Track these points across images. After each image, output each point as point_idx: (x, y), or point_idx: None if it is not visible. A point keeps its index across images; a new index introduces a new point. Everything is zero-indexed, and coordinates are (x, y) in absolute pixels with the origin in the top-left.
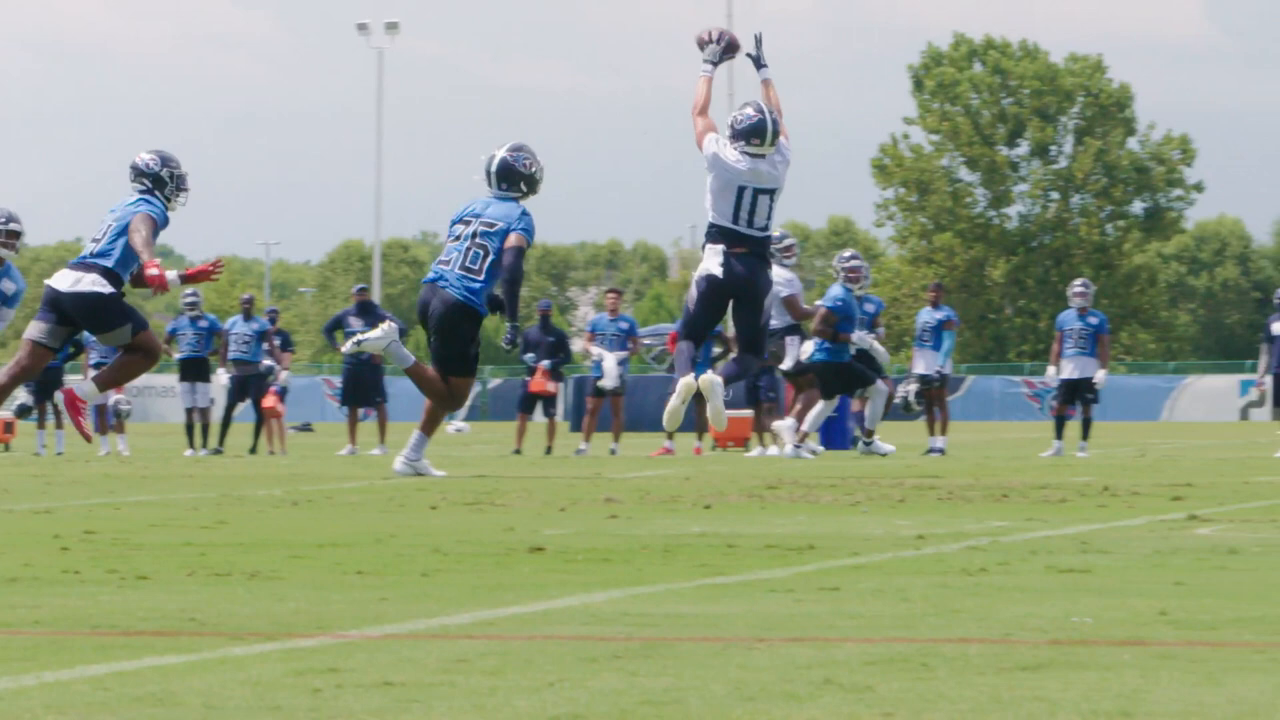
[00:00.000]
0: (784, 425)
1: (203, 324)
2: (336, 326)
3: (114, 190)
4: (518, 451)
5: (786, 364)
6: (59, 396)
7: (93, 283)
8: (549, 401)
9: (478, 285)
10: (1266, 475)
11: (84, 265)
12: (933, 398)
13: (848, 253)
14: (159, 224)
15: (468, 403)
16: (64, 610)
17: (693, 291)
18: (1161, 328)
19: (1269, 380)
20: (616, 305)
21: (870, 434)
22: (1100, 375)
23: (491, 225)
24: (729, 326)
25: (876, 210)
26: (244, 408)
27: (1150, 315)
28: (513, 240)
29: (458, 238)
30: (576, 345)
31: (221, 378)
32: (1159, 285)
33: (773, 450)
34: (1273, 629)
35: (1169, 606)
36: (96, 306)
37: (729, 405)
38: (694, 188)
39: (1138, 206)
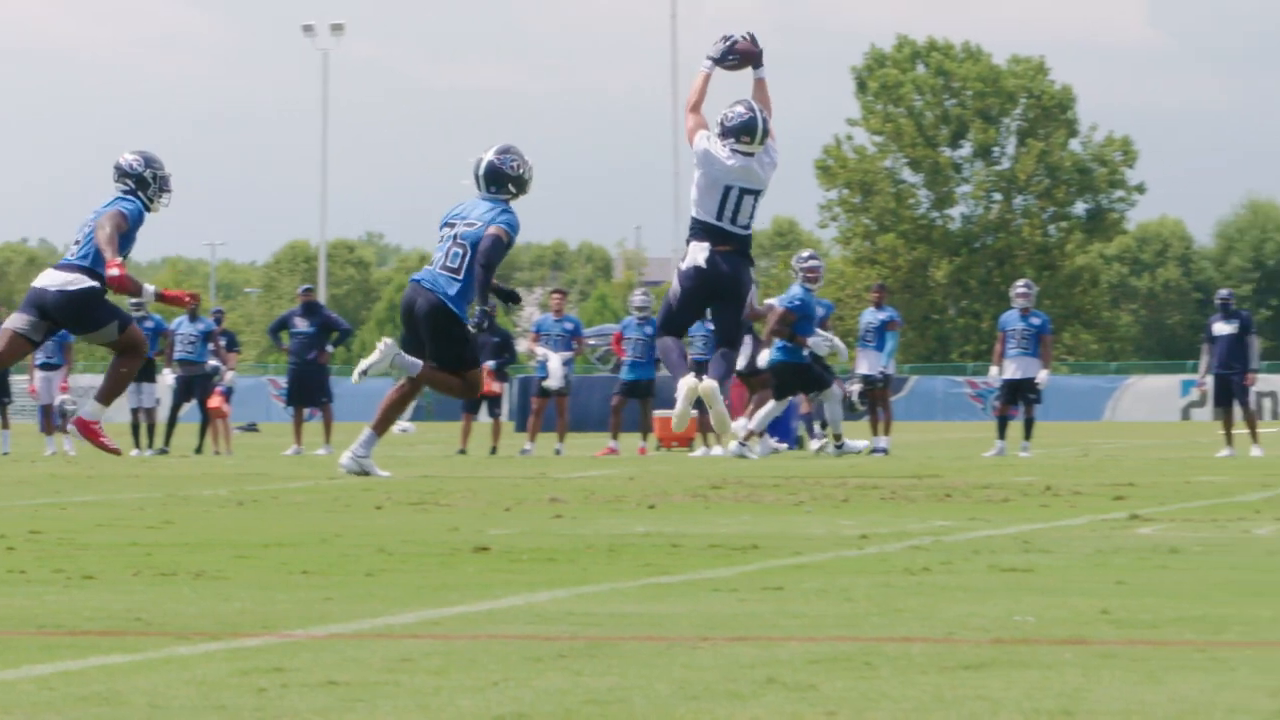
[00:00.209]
0: (737, 425)
1: (148, 324)
2: (282, 327)
3: (67, 191)
4: (463, 451)
5: (740, 362)
6: (72, 428)
7: (76, 282)
8: (494, 402)
9: (457, 285)
10: (1208, 475)
11: (68, 267)
12: (876, 398)
13: (806, 253)
14: (131, 222)
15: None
16: (9, 610)
17: (675, 287)
18: (1103, 328)
19: (1210, 380)
20: (561, 306)
21: (838, 437)
22: (1042, 375)
23: (472, 225)
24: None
25: (820, 211)
26: (189, 408)
27: (1092, 316)
28: (493, 230)
29: (442, 239)
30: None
31: (167, 378)
32: (1101, 286)
33: (717, 450)
34: (1213, 628)
35: (1110, 605)
36: (81, 304)
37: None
38: (639, 188)
39: (1080, 208)
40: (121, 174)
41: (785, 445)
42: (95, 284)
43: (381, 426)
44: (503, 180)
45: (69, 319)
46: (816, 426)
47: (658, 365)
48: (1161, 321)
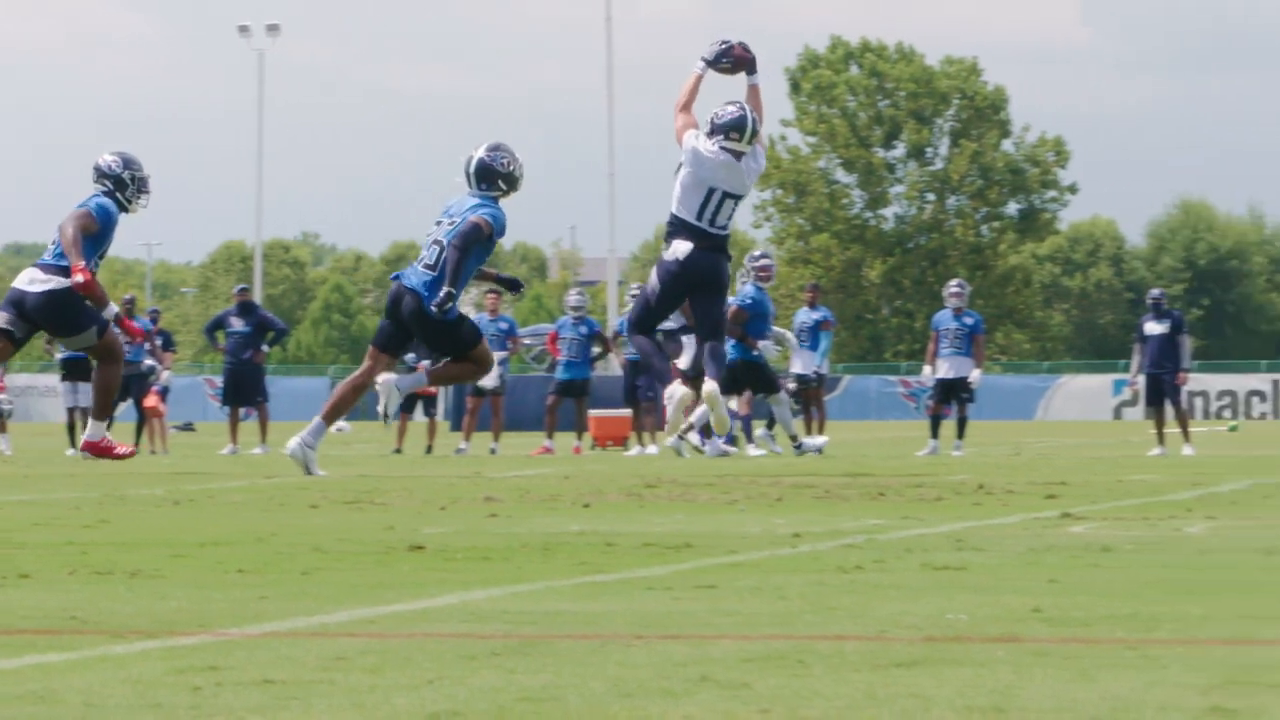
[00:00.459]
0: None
1: None
2: (217, 326)
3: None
4: (398, 451)
5: (683, 363)
6: (83, 454)
7: (55, 283)
8: (429, 401)
9: (432, 280)
10: (1139, 474)
11: (46, 267)
12: (810, 397)
13: (758, 252)
14: (101, 222)
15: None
16: None
17: (654, 282)
18: (1036, 328)
19: (1142, 380)
20: (496, 305)
21: (795, 438)
22: (975, 375)
23: (454, 222)
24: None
25: (754, 211)
26: (125, 407)
27: (1025, 315)
28: (474, 218)
29: (428, 235)
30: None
31: None
32: (1033, 286)
33: (651, 449)
34: (1145, 626)
35: (1043, 603)
36: (61, 306)
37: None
38: (574, 189)
39: (1012, 208)
40: (100, 175)
41: (734, 448)
42: (67, 282)
43: (331, 416)
44: (493, 177)
45: (49, 321)
46: (763, 429)
47: (592, 365)
48: (1093, 321)
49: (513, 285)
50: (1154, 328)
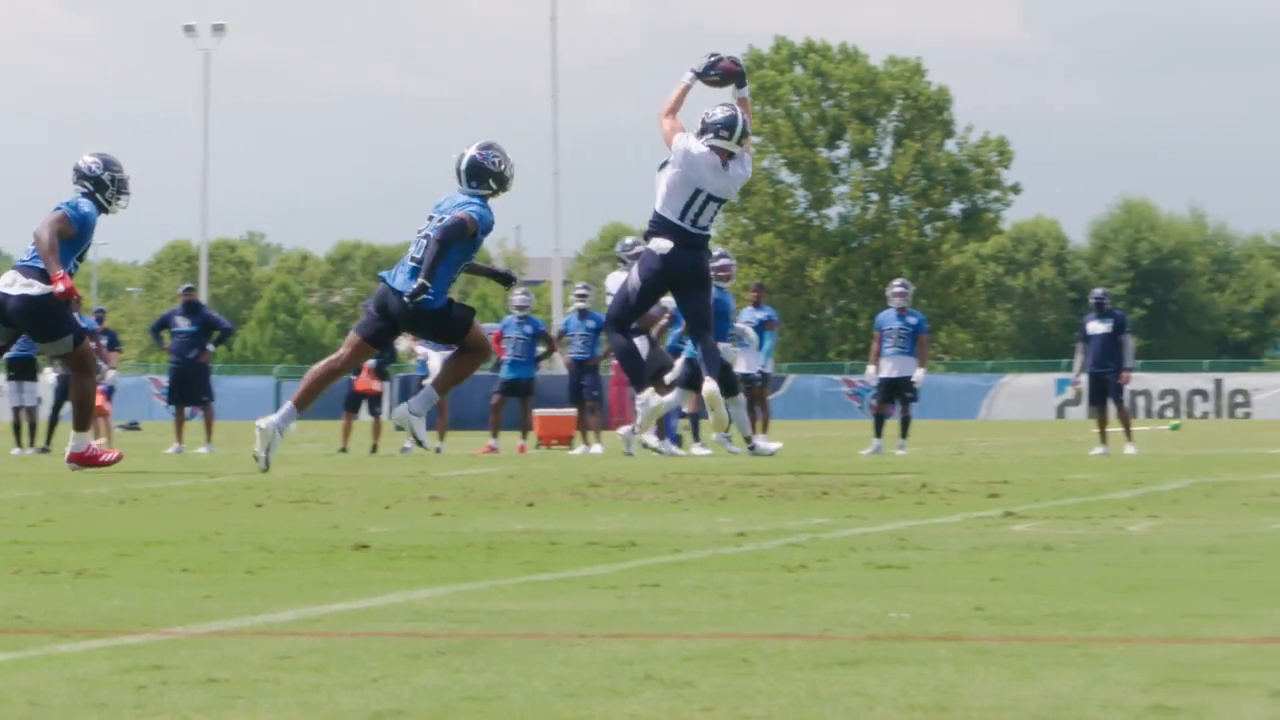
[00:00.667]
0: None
1: None
2: (163, 326)
3: None
4: (343, 450)
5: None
6: (70, 466)
7: (36, 287)
8: (374, 400)
9: (415, 270)
10: (1082, 473)
11: (25, 269)
12: (754, 397)
13: (718, 251)
14: (78, 225)
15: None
16: None
17: (635, 280)
18: (979, 327)
19: (1084, 379)
20: None
21: (749, 439)
22: (919, 374)
23: (442, 219)
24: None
25: None
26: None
27: (968, 315)
28: (460, 214)
29: (420, 231)
30: (401, 345)
31: (49, 376)
32: (977, 285)
33: (596, 448)
34: (1086, 624)
35: (985, 602)
36: (41, 311)
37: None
38: (519, 189)
39: (956, 208)
40: (80, 176)
41: (679, 449)
42: (46, 285)
43: (304, 401)
44: (483, 175)
45: (28, 324)
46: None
47: (537, 364)
48: (1036, 321)
49: (505, 279)
50: (1097, 327)
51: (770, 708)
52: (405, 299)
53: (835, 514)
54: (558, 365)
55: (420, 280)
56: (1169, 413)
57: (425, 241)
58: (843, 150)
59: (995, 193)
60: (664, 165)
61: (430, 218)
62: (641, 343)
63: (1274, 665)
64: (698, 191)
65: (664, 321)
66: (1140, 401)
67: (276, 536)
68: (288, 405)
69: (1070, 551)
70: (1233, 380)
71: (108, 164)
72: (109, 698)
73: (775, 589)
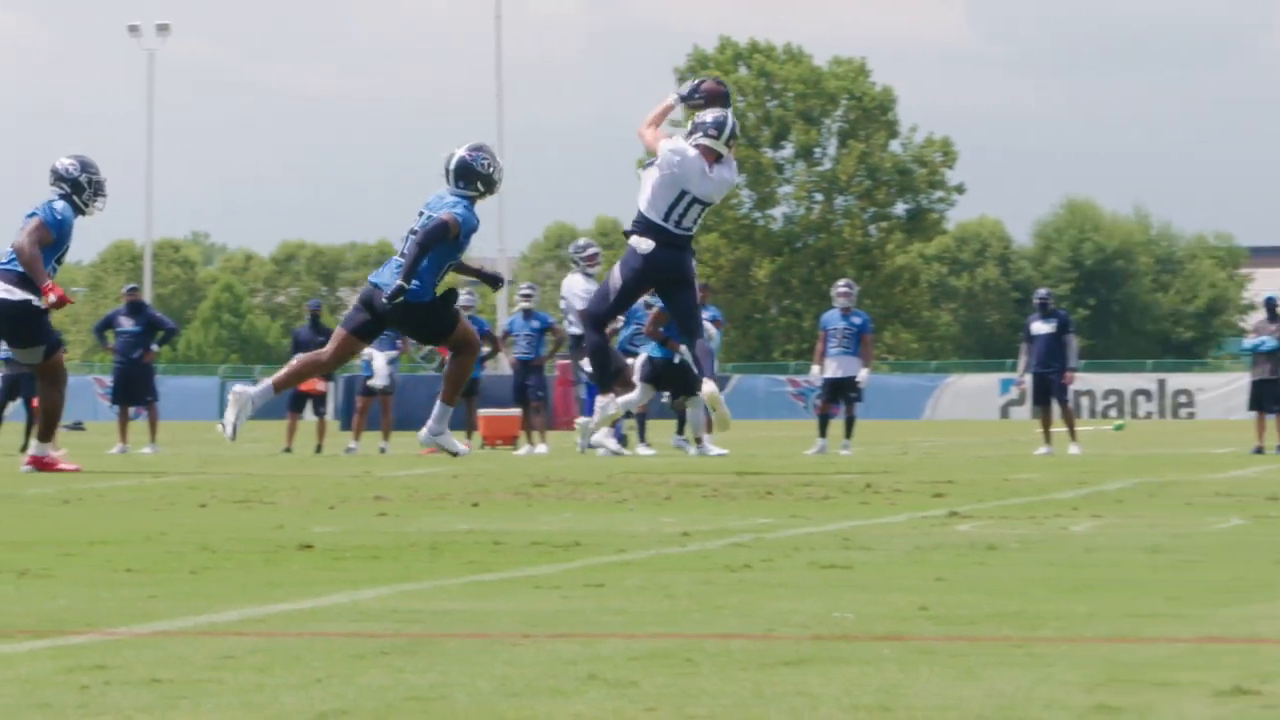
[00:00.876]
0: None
1: None
2: (107, 326)
3: None
4: (288, 450)
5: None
6: (25, 469)
7: (15, 293)
8: (319, 400)
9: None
10: (1026, 473)
11: (5, 274)
12: None
13: (582, 241)
14: (55, 230)
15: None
16: None
17: (616, 278)
18: (923, 327)
19: (1029, 379)
20: None
21: (699, 440)
22: (863, 374)
23: (431, 217)
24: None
25: None
26: (15, 406)
27: (912, 315)
28: (443, 215)
29: (410, 228)
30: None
31: None
32: (921, 285)
33: (541, 448)
34: (1030, 624)
35: (929, 602)
36: (21, 316)
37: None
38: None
39: (900, 208)
40: (57, 177)
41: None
42: (31, 296)
43: (284, 384)
44: (471, 177)
45: (4, 329)
46: (677, 436)
47: (481, 364)
48: (981, 321)
49: (494, 281)
50: (1041, 327)
51: (714, 707)
52: (384, 299)
53: (779, 514)
54: (502, 365)
55: (398, 282)
56: (1113, 413)
57: (413, 237)
58: (787, 150)
59: (939, 193)
60: (649, 164)
61: (421, 214)
62: None
63: (1217, 665)
64: (683, 193)
65: (648, 324)
66: (1084, 401)
67: (221, 536)
68: (266, 383)
69: (1014, 551)
70: (1176, 380)
71: (85, 166)
72: (53, 698)
73: (719, 589)
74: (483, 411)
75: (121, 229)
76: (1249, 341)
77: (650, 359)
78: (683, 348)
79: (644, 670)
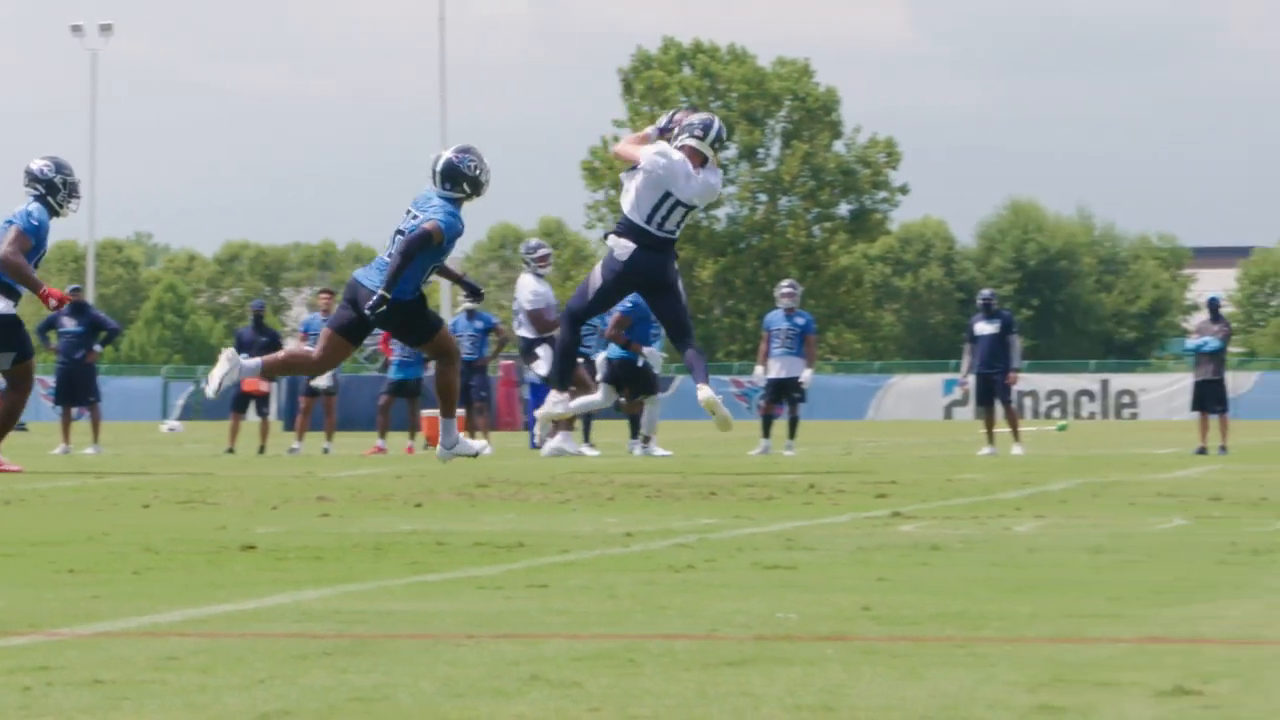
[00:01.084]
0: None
1: None
2: (49, 327)
3: None
4: (231, 450)
5: (541, 370)
6: None
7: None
8: (262, 401)
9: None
10: (969, 473)
11: None
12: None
13: (534, 242)
14: (32, 234)
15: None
16: None
17: (596, 278)
18: (867, 328)
19: (972, 379)
20: (329, 305)
21: (648, 439)
22: (807, 374)
23: (416, 219)
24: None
25: (587, 212)
26: None
27: (856, 315)
28: (426, 225)
29: (397, 227)
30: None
31: None
32: (865, 286)
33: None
34: (973, 624)
35: (872, 602)
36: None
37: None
38: (407, 189)
39: (844, 208)
40: (32, 179)
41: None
42: (11, 305)
43: (270, 370)
44: (458, 179)
45: None
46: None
47: (425, 364)
48: (924, 321)
49: (474, 291)
50: (984, 328)
51: (657, 708)
52: (366, 311)
53: (723, 514)
54: None
55: (380, 292)
56: (1056, 413)
57: (400, 236)
58: (731, 151)
59: (883, 193)
60: (633, 169)
61: (408, 211)
62: (545, 350)
63: (1158, 665)
64: (667, 195)
65: (610, 328)
66: (1028, 402)
67: (163, 537)
68: (258, 361)
69: (957, 551)
70: (1119, 381)
71: (59, 167)
72: None
73: (663, 589)
74: (426, 412)
75: (64, 229)
76: (1192, 342)
77: (609, 360)
78: (647, 349)
79: (587, 671)
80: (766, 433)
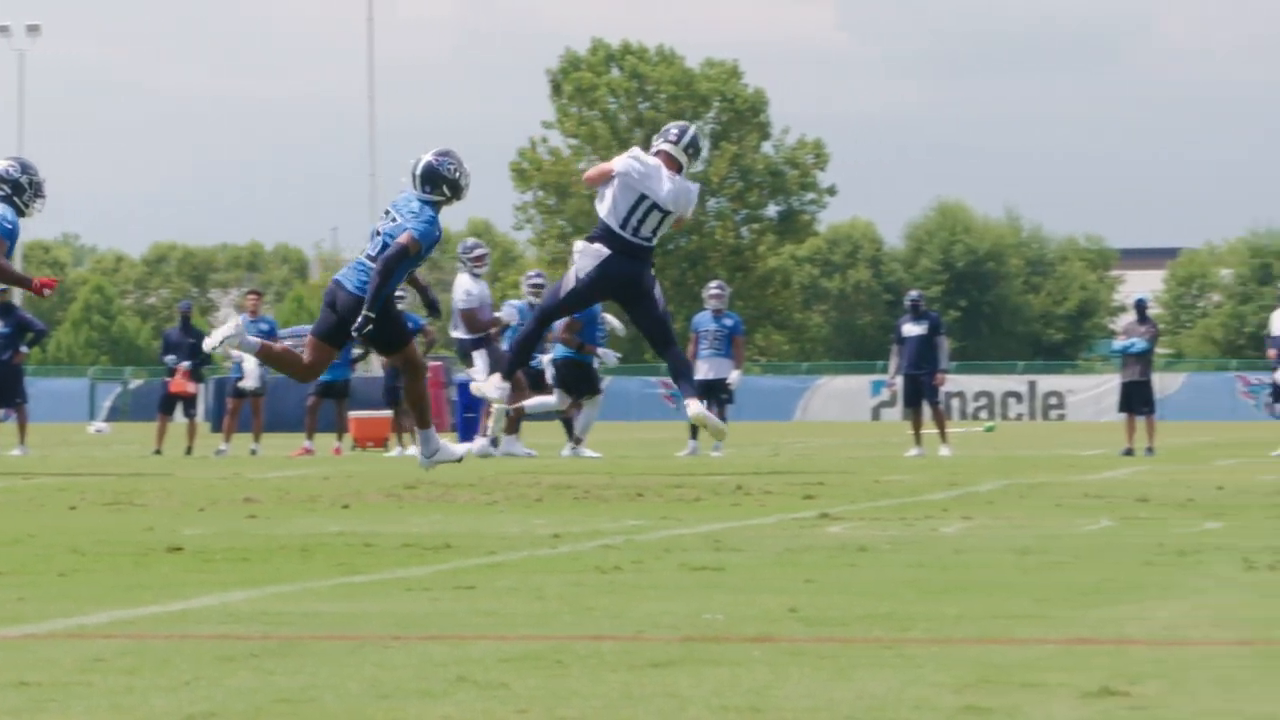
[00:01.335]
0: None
1: None
2: None
3: None
4: (158, 452)
5: (479, 375)
6: None
7: None
8: (189, 402)
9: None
10: (897, 474)
11: None
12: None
13: (470, 241)
14: (7, 239)
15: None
16: None
17: (570, 282)
18: (795, 329)
19: (900, 381)
20: (257, 306)
21: (579, 440)
22: (735, 376)
23: (397, 222)
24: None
25: (515, 213)
26: None
27: (784, 317)
28: (402, 238)
29: (374, 227)
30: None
31: None
32: (793, 287)
33: (412, 450)
34: (900, 625)
35: (799, 603)
36: None
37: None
38: (335, 190)
39: (772, 210)
40: None
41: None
42: None
43: (264, 355)
44: (438, 181)
45: None
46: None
47: (353, 366)
48: (852, 322)
49: (432, 307)
50: (912, 329)
51: (584, 709)
52: (352, 333)
53: (650, 516)
54: (374, 367)
55: (364, 312)
56: (984, 414)
57: (380, 241)
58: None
59: (811, 195)
60: (609, 183)
61: (386, 212)
62: (480, 354)
63: (1084, 666)
64: (642, 197)
65: (561, 331)
66: (955, 403)
67: (90, 539)
68: (259, 341)
69: (885, 553)
70: (1047, 382)
71: (25, 167)
72: None
73: (590, 591)
74: (354, 413)
75: None
76: (1119, 343)
77: (554, 361)
78: (601, 350)
79: (514, 672)
80: (694, 434)
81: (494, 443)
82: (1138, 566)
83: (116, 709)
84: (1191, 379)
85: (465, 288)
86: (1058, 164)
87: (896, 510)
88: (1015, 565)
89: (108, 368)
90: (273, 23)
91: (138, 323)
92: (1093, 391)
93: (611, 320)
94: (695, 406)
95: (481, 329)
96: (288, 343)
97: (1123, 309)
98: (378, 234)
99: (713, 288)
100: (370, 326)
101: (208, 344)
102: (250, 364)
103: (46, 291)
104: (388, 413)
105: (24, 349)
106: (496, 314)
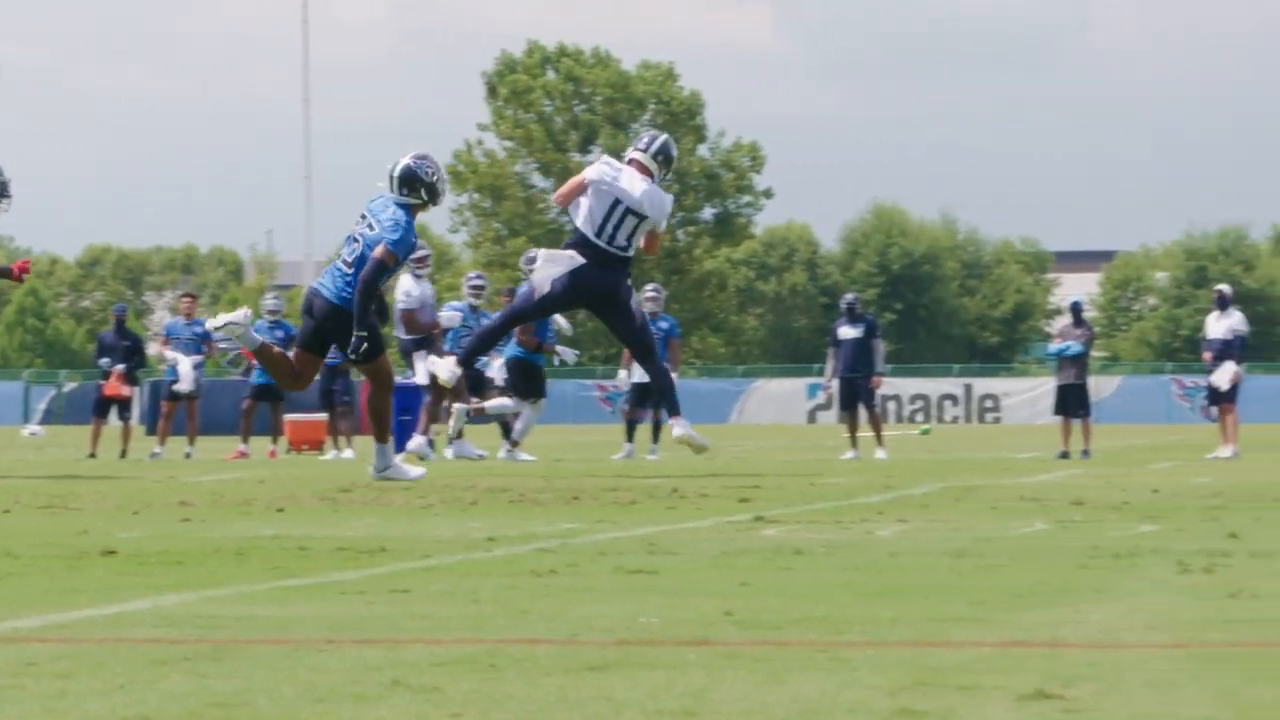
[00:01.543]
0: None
1: None
2: None
3: None
4: (92, 455)
5: (421, 378)
6: None
7: None
8: (124, 405)
9: (349, 277)
10: (832, 477)
11: None
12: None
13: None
14: None
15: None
16: None
17: (544, 287)
18: (731, 332)
19: (836, 383)
20: (192, 309)
21: (516, 443)
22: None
23: (373, 228)
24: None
25: (451, 215)
26: None
27: (720, 319)
28: (378, 252)
29: (350, 233)
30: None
31: None
32: (729, 290)
33: (347, 453)
34: (835, 628)
35: (734, 606)
36: None
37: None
38: (270, 192)
39: (708, 213)
40: None
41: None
42: None
43: (259, 354)
44: (416, 185)
45: None
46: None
47: None
48: (788, 325)
49: (381, 313)
50: (848, 332)
51: (519, 713)
52: (349, 356)
53: (586, 519)
54: None
55: (355, 334)
56: (919, 417)
57: (356, 244)
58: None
59: (747, 198)
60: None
61: (363, 216)
62: (420, 355)
63: (1020, 669)
64: (616, 203)
65: (520, 334)
66: (891, 406)
67: (24, 542)
68: (260, 338)
69: (820, 556)
70: (982, 385)
71: None
72: None
73: (525, 594)
74: (289, 416)
75: None
76: (1055, 346)
77: (508, 362)
78: (560, 348)
79: (449, 676)
80: (630, 437)
81: (452, 441)
82: (1073, 569)
83: (50, 712)
84: (1127, 382)
85: (405, 289)
86: (993, 167)
87: (832, 513)
88: (950, 568)
89: (42, 370)
90: (208, 22)
91: (72, 325)
92: (1028, 394)
93: (559, 320)
94: (680, 428)
95: (422, 330)
96: (222, 345)
97: (1058, 312)
98: (354, 240)
99: (649, 290)
100: (365, 346)
101: (210, 322)
102: (185, 366)
103: (25, 276)
104: (323, 416)
105: None
106: (439, 314)
